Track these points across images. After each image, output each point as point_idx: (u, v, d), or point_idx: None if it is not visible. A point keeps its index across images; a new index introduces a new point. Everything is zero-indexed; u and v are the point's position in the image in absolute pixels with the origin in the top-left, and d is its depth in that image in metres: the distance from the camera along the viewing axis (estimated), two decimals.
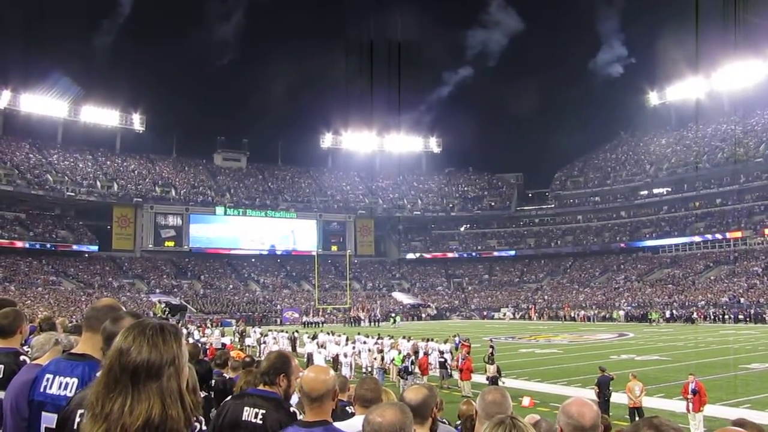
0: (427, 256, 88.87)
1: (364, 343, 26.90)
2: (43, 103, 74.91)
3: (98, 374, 1.85)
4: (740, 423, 4.29)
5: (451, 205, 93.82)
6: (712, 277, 66.45)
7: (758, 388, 19.47)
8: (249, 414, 3.43)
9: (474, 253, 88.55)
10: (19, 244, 64.60)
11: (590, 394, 15.74)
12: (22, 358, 3.70)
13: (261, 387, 3.57)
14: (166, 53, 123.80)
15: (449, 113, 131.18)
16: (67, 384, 2.69)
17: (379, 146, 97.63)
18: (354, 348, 25.97)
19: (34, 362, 3.33)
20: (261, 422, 3.36)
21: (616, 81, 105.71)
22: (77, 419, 2.33)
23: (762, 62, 74.40)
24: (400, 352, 23.09)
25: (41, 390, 2.74)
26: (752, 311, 54.87)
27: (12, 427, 2.88)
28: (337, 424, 3.12)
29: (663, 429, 2.01)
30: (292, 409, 3.39)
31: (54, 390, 2.69)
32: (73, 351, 2.98)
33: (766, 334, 39.95)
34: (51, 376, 2.77)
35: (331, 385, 3.11)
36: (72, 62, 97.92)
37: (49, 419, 2.60)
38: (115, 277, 69.27)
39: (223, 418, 3.52)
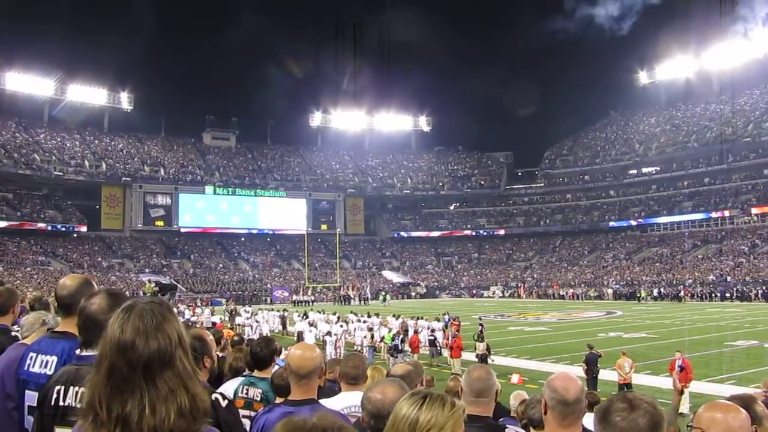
0: (417, 234, 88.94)
1: (359, 321, 27.01)
2: (29, 82, 73.94)
3: (93, 370, 1.64)
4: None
5: (440, 184, 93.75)
6: (699, 256, 66.94)
7: (743, 365, 19.75)
8: None
9: (463, 232, 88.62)
10: (6, 224, 64.07)
11: (578, 371, 15.88)
12: (13, 334, 3.70)
13: None
14: (154, 31, 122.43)
15: (439, 92, 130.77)
16: (47, 362, 2.69)
17: (368, 125, 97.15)
18: (343, 327, 26.06)
19: (22, 341, 3.32)
20: None
21: (607, 60, 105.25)
22: (54, 396, 2.31)
23: (751, 42, 74.37)
24: (390, 330, 23.20)
25: (25, 369, 2.74)
26: (738, 289, 55.46)
27: None
28: (322, 401, 3.13)
29: (635, 403, 2.04)
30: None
31: (36, 368, 2.69)
32: (56, 329, 2.98)
33: (751, 312, 40.42)
34: (34, 355, 2.77)
35: (319, 363, 3.12)
36: (58, 40, 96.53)
37: (31, 397, 2.59)
38: (104, 257, 68.94)
39: None
